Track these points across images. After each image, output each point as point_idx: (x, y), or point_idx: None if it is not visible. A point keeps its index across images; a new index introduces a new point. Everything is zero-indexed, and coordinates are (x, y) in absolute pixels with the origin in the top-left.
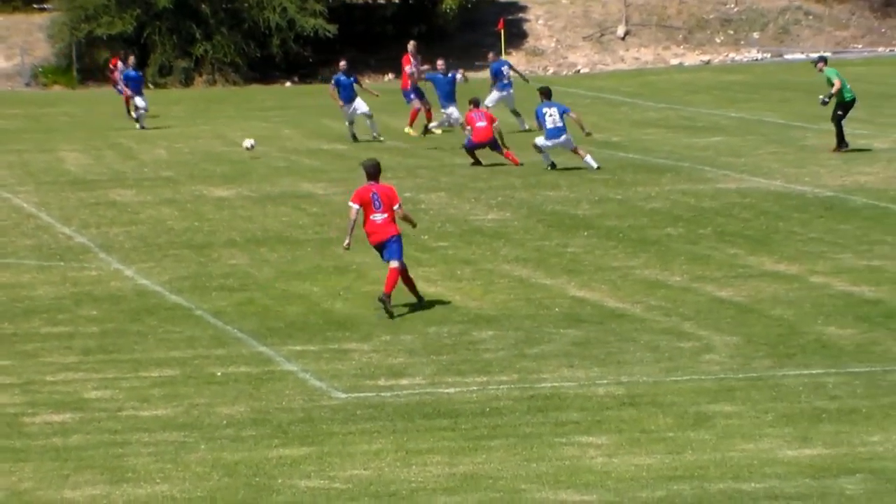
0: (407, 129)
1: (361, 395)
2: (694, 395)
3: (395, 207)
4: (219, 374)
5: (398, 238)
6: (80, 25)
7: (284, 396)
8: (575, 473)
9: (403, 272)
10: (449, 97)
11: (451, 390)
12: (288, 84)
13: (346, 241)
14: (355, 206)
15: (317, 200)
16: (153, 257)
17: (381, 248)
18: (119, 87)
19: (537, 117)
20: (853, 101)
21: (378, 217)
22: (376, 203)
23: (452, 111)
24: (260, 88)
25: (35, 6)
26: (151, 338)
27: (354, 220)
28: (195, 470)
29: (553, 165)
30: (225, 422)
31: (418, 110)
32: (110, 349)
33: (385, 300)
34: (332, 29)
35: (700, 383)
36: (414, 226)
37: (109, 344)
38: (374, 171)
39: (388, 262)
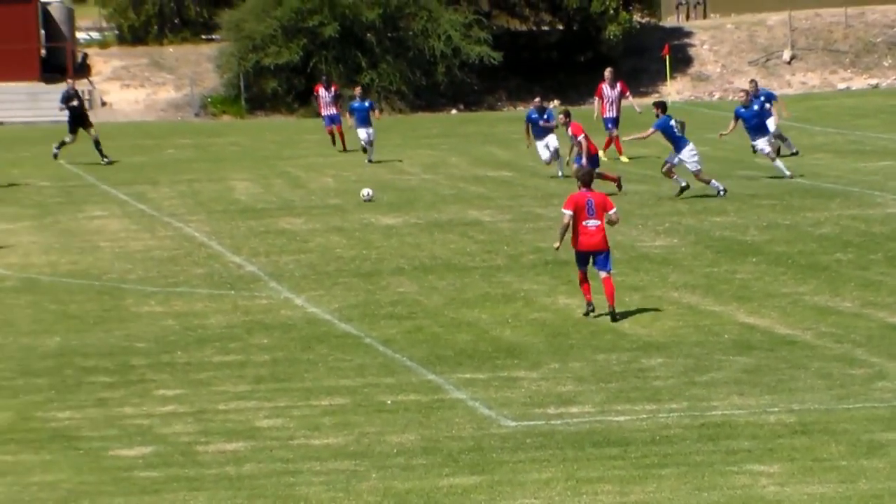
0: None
1: (531, 423)
2: (867, 423)
3: (611, 212)
4: (389, 402)
5: (608, 253)
6: (247, 55)
7: (454, 425)
8: (746, 502)
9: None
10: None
11: (621, 418)
12: (453, 111)
13: (557, 245)
14: (568, 213)
15: (484, 227)
16: (323, 285)
17: (588, 255)
18: (327, 114)
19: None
20: None
21: (591, 223)
22: (590, 210)
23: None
24: (426, 116)
25: (203, 37)
26: (322, 366)
27: (567, 225)
28: (367, 499)
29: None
30: (395, 450)
31: (612, 139)
32: (281, 377)
33: (614, 313)
34: (497, 56)
35: (873, 411)
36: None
37: (281, 372)
38: (588, 179)
39: (600, 271)
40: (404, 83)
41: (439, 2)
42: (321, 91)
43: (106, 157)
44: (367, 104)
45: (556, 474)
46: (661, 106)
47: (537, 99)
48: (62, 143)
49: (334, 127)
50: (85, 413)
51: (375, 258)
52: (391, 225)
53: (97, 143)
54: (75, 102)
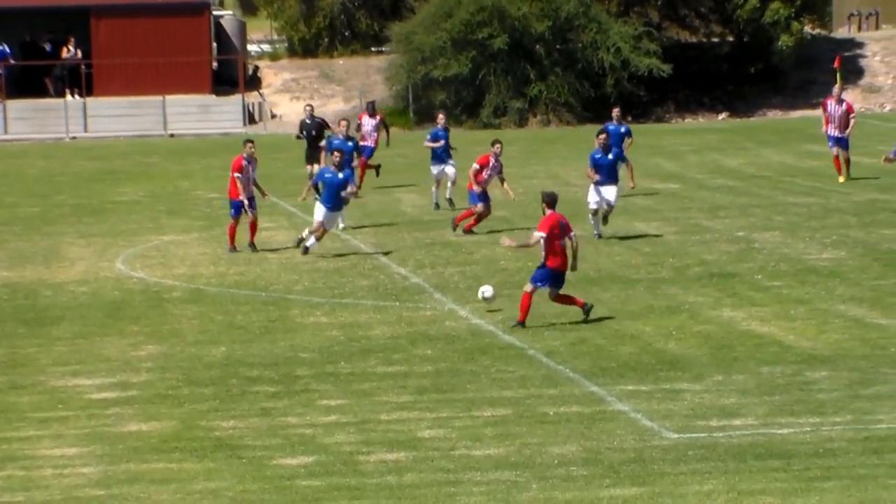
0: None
1: (693, 435)
2: None
3: (572, 235)
4: (551, 413)
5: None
6: (416, 67)
7: (616, 436)
8: None
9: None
10: None
11: (784, 431)
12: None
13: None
14: (540, 235)
15: (650, 240)
16: None
17: (557, 276)
18: (365, 147)
19: None
20: None
21: (564, 244)
22: (563, 231)
23: None
24: (593, 128)
25: (373, 49)
26: (484, 377)
27: (529, 247)
28: None
29: None
30: (556, 461)
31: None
32: (444, 388)
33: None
34: (667, 68)
35: None
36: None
37: (443, 383)
38: (552, 201)
39: (553, 288)
40: (572, 95)
41: (609, 14)
42: (365, 119)
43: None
44: (445, 133)
45: (717, 486)
46: None
47: None
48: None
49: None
50: (248, 422)
51: None
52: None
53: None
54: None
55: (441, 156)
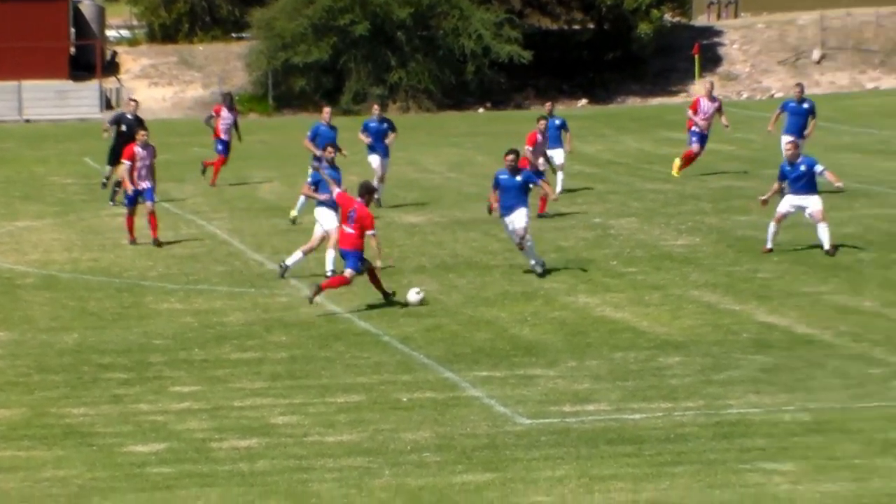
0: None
1: (546, 420)
2: (882, 422)
3: (369, 233)
4: (404, 399)
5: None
6: (276, 54)
7: (469, 422)
8: (759, 501)
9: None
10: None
11: (637, 416)
12: (481, 110)
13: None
14: None
15: None
16: None
17: (345, 255)
18: (220, 144)
19: None
20: None
21: (347, 229)
22: (350, 219)
23: None
24: (453, 115)
25: (234, 35)
26: (339, 363)
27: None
28: (379, 496)
29: None
30: (409, 447)
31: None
32: (298, 375)
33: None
34: (527, 55)
35: (889, 410)
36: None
37: (297, 370)
38: (362, 191)
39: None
40: (433, 82)
41: (471, 1)
42: (224, 113)
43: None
44: (385, 125)
45: (569, 472)
46: None
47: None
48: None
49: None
50: (99, 409)
51: (397, 256)
52: (414, 223)
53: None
54: (124, 128)
55: (376, 147)
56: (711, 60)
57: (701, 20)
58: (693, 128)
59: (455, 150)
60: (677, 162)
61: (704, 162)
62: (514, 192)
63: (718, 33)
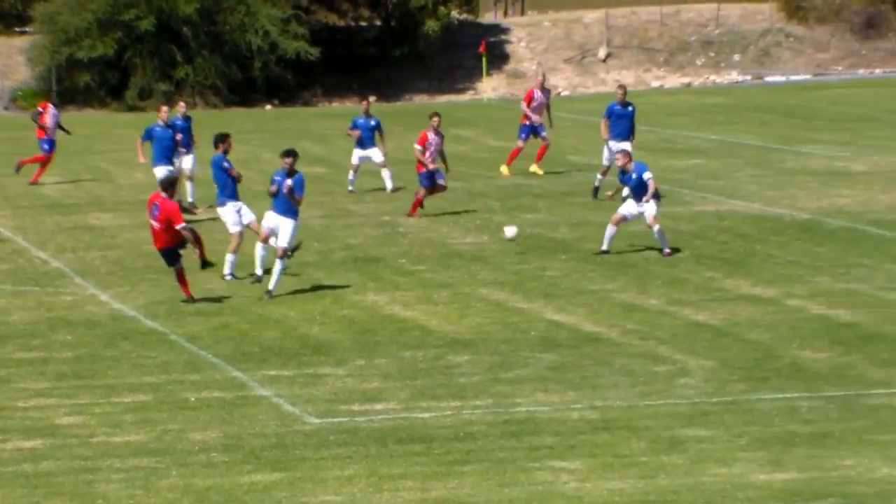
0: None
1: (335, 420)
2: (668, 420)
3: (178, 227)
4: (192, 399)
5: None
6: (60, 49)
7: (257, 422)
8: (548, 498)
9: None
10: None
11: (426, 415)
12: (268, 107)
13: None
14: None
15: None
16: (129, 282)
17: (161, 254)
18: (45, 141)
19: None
20: None
21: (154, 224)
22: (152, 212)
23: None
24: (240, 111)
25: (16, 29)
26: (125, 363)
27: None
28: (166, 496)
29: None
30: (197, 447)
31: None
32: (84, 375)
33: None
34: (314, 52)
35: (674, 407)
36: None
37: (83, 369)
38: (163, 185)
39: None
40: (219, 78)
41: None
42: (51, 109)
43: None
44: (373, 122)
45: (358, 471)
46: None
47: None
48: None
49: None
50: None
51: (184, 254)
52: (200, 221)
53: None
54: None
55: (364, 142)
56: (499, 58)
57: (488, 17)
58: (525, 122)
59: (242, 147)
60: (504, 169)
61: (492, 160)
62: (282, 199)
63: (505, 31)
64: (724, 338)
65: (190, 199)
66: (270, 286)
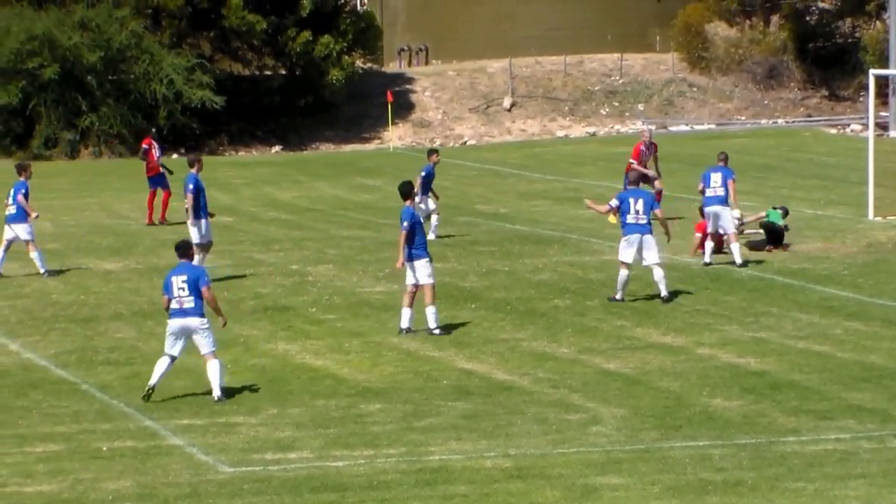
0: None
1: (248, 469)
2: (581, 468)
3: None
4: (104, 448)
5: None
6: None
7: (171, 471)
8: None
9: None
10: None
11: (339, 464)
12: (175, 156)
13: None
14: None
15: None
16: (39, 331)
17: None
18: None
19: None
20: None
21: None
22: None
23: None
24: None
25: None
26: (36, 412)
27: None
28: None
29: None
30: (111, 497)
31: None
32: None
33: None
34: (220, 100)
35: (588, 455)
36: None
37: None
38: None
39: None
40: (125, 126)
41: (162, 45)
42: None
43: None
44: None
45: None
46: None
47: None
48: None
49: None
50: None
51: (93, 303)
52: (110, 270)
53: None
54: None
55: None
56: (404, 107)
57: (392, 67)
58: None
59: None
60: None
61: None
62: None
63: (410, 80)
64: (635, 386)
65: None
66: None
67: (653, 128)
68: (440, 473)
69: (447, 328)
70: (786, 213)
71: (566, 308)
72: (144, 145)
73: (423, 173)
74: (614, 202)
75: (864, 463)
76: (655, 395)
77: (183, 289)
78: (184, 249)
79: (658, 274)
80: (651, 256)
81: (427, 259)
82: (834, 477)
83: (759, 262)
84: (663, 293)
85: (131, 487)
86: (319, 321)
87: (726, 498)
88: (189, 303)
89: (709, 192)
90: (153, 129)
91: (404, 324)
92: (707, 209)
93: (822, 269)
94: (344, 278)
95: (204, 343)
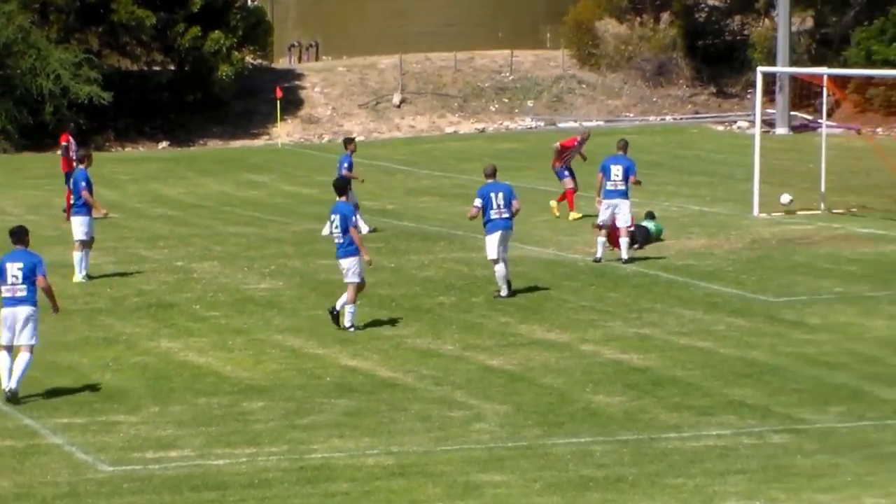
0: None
1: (128, 467)
2: (464, 465)
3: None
4: None
5: None
6: None
7: (49, 470)
8: None
9: None
10: None
11: (221, 462)
12: (59, 152)
13: None
14: None
15: (89, 269)
16: None
17: None
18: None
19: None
20: None
21: None
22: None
23: None
24: (32, 156)
25: None
26: None
27: None
28: None
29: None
30: None
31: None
32: None
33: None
34: (107, 96)
35: (470, 452)
36: None
37: None
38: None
39: None
40: (10, 122)
41: (49, 40)
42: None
43: None
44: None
45: None
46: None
47: None
48: None
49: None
50: None
51: None
52: None
53: None
54: None
55: None
56: (293, 104)
57: (282, 63)
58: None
59: (34, 192)
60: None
61: (286, 206)
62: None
63: (300, 76)
64: (518, 383)
65: None
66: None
67: (590, 130)
68: (322, 471)
69: (332, 325)
70: (652, 217)
71: (451, 305)
72: (63, 142)
73: (344, 164)
74: (478, 202)
75: (743, 458)
76: (539, 391)
77: (17, 276)
78: (19, 235)
79: (501, 271)
80: (504, 252)
81: (355, 258)
82: (714, 473)
83: (643, 258)
84: (503, 292)
85: (9, 487)
86: (203, 318)
87: (607, 494)
88: (22, 291)
89: (609, 186)
90: (71, 125)
91: (336, 307)
92: (606, 201)
93: (707, 265)
94: (229, 275)
95: (26, 334)
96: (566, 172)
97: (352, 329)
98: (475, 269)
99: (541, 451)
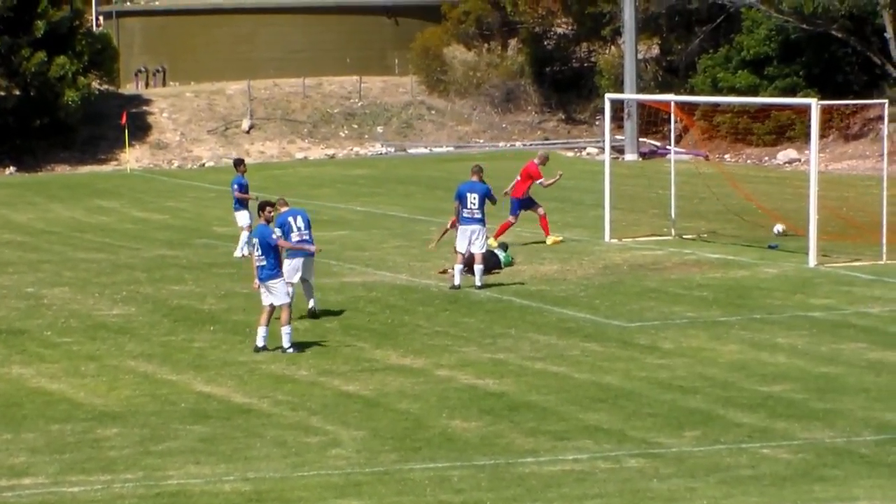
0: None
1: None
2: (321, 491)
3: None
4: None
5: None
6: None
7: None
8: None
9: None
10: None
11: (76, 489)
12: None
13: None
14: None
15: None
16: None
17: None
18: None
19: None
20: None
21: None
22: None
23: None
24: None
25: None
26: None
27: None
28: None
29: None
30: None
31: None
32: None
33: None
34: None
35: (327, 478)
36: None
37: None
38: None
39: None
40: None
41: None
42: None
43: None
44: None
45: None
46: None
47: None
48: None
49: None
50: None
51: None
52: None
53: None
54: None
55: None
56: (141, 129)
57: (129, 88)
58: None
59: None
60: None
61: (136, 231)
62: None
63: (147, 102)
64: (374, 408)
65: None
66: None
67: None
68: (178, 498)
69: (184, 350)
70: (505, 248)
71: (305, 330)
72: None
73: (235, 186)
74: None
75: (600, 483)
76: (395, 416)
77: None
78: None
79: (309, 290)
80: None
81: (282, 279)
82: (571, 497)
83: (497, 284)
84: (311, 305)
85: None
86: (55, 344)
87: None
88: None
89: (465, 213)
90: None
91: (259, 343)
92: (463, 227)
93: (560, 290)
94: (80, 301)
95: None
96: (518, 206)
97: (291, 350)
98: (328, 295)
99: (398, 477)
